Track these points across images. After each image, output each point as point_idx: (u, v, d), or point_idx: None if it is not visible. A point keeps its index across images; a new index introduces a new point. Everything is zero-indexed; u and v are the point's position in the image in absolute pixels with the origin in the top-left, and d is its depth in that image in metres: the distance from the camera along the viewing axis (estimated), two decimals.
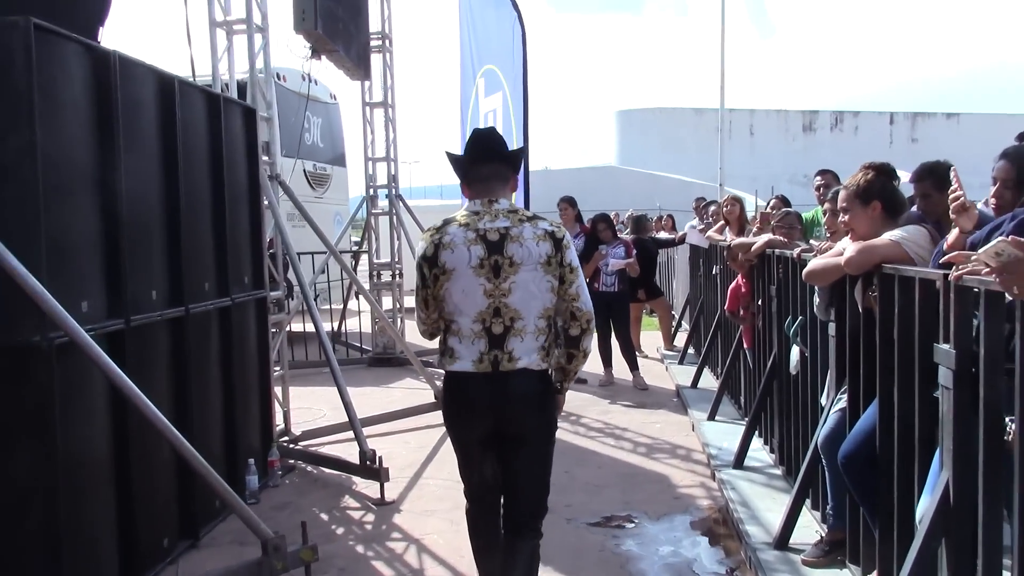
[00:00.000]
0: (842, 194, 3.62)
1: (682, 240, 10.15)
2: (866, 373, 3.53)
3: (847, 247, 3.48)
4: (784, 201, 6.97)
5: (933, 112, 37.70)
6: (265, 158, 6.39)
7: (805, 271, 3.79)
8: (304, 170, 12.23)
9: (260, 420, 5.70)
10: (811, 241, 5.55)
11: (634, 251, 8.76)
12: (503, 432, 3.04)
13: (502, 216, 2.97)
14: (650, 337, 10.98)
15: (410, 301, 13.15)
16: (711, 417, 6.76)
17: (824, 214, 4.88)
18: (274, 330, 6.42)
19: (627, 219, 18.58)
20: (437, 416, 7.27)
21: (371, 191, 10.34)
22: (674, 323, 10.92)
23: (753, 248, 5.69)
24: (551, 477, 3.18)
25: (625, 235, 9.96)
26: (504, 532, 3.18)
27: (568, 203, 8.92)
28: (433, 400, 7.32)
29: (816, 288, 4.08)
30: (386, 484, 5.26)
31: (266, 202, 6.14)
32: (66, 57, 3.58)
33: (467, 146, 3.18)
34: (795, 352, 4.78)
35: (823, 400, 4.18)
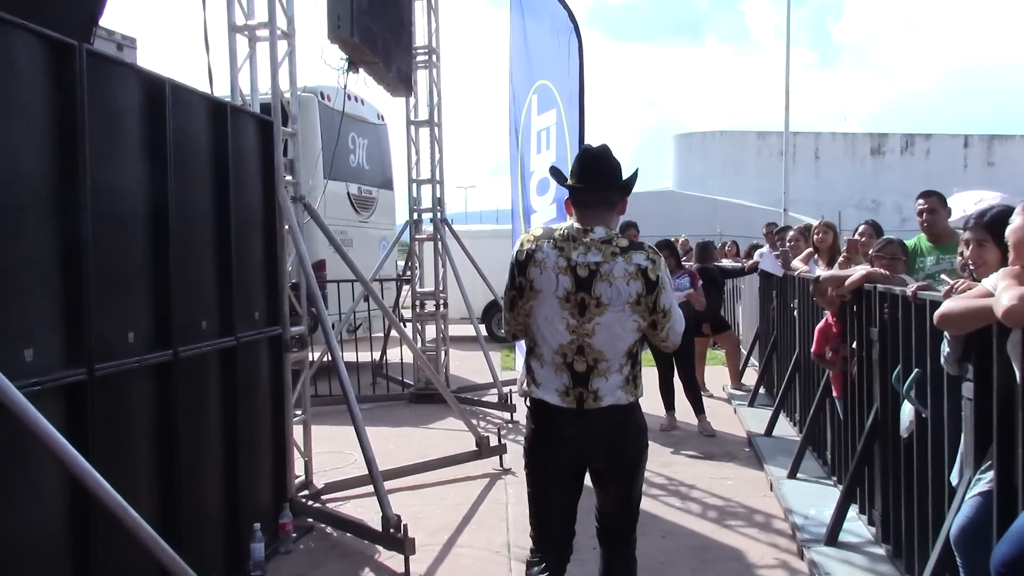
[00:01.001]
0: (1019, 220, 2.73)
1: (753, 269, 9.26)
2: None
3: (1003, 289, 2.61)
4: (876, 227, 6.08)
5: (1011, 134, 35.98)
6: (288, 177, 5.71)
7: (939, 314, 2.93)
8: (348, 193, 11.74)
9: (272, 475, 4.99)
10: (942, 276, 4.63)
11: (700, 281, 7.91)
12: (591, 466, 3.01)
13: (595, 249, 2.84)
14: (715, 374, 10.06)
15: (454, 330, 12.47)
16: (792, 475, 5.86)
17: (958, 244, 3.98)
18: (297, 368, 5.73)
19: (688, 244, 17.83)
20: (478, 467, 6.50)
21: (415, 215, 9.64)
22: (742, 360, 9.97)
23: (848, 282, 4.83)
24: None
25: (689, 264, 9.11)
26: (601, 555, 3.16)
27: (631, 228, 8.12)
28: (475, 448, 6.53)
29: (946, 335, 3.22)
30: (413, 556, 4.48)
31: (287, 226, 5.44)
32: (13, 47, 2.91)
33: (575, 165, 3.00)
34: (908, 411, 3.90)
35: (953, 478, 3.29)
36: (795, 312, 7.09)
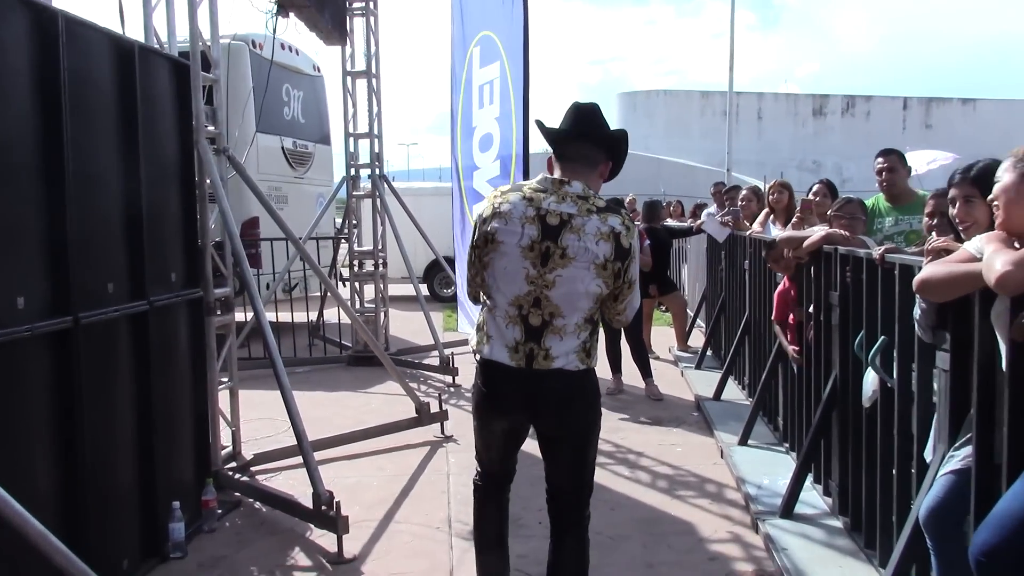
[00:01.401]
0: (1008, 178, 2.47)
1: (700, 229, 9.04)
2: (1013, 429, 2.44)
3: (992, 253, 2.36)
4: (830, 187, 5.85)
5: (948, 97, 36.38)
6: (211, 128, 5.27)
7: (919, 279, 2.68)
8: (283, 147, 11.23)
9: (194, 448, 4.62)
10: (901, 239, 4.40)
11: (646, 241, 7.67)
12: (538, 429, 2.95)
13: (569, 200, 2.74)
14: (661, 335, 9.89)
15: (394, 289, 12.11)
16: (743, 441, 5.69)
17: (921, 205, 3.76)
18: (222, 332, 5.35)
19: (635, 204, 17.63)
20: (419, 434, 6.21)
21: (352, 170, 9.21)
22: (689, 321, 9.80)
23: (807, 243, 4.59)
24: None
25: (637, 224, 8.85)
26: (551, 530, 3.08)
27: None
28: (414, 415, 6.23)
29: (918, 300, 2.98)
30: (346, 535, 4.17)
31: (209, 181, 5.02)
32: None
33: (563, 121, 2.89)
34: (871, 379, 3.69)
35: (927, 455, 3.08)
36: (746, 273, 6.89)
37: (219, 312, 5.13)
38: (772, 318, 5.39)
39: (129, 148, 3.91)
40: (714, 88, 37.62)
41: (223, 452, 5.24)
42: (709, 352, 8.53)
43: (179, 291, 4.40)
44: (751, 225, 7.24)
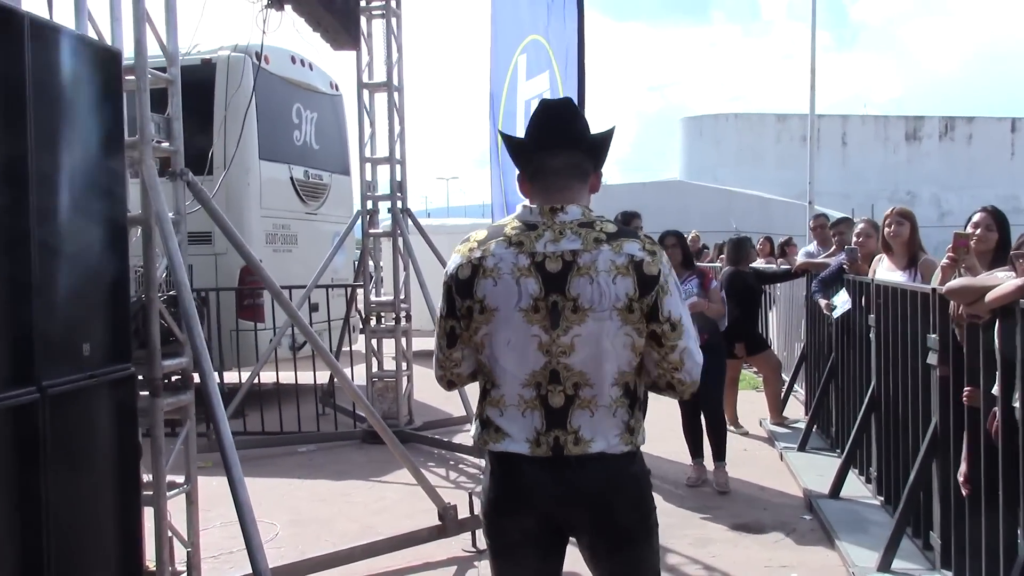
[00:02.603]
0: None
1: (801, 272, 7.95)
2: None
3: None
4: (996, 216, 4.73)
5: None
6: (165, 144, 4.34)
7: None
8: (292, 178, 10.53)
9: None
10: None
11: (713, 282, 6.61)
12: (578, 539, 2.48)
13: (570, 233, 2.37)
14: (749, 404, 8.76)
15: (418, 344, 11.18)
16: (885, 566, 4.52)
17: None
18: (173, 418, 4.37)
19: (700, 242, 16.65)
20: (442, 548, 5.14)
21: (369, 203, 8.29)
22: (784, 387, 8.66)
23: (993, 296, 3.48)
24: None
25: (719, 267, 7.85)
26: None
27: (635, 219, 6.83)
28: (438, 522, 5.16)
29: None
30: None
31: (157, 213, 4.06)
32: None
33: (531, 123, 2.53)
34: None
35: None
36: (871, 331, 5.80)
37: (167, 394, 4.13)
38: (964, 397, 4.20)
39: (13, 169, 2.95)
40: (791, 112, 36.57)
41: None
42: (815, 428, 7.36)
43: (96, 368, 3.41)
44: (869, 267, 6.26)
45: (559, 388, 2.38)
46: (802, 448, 7.16)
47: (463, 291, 2.42)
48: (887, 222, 5.90)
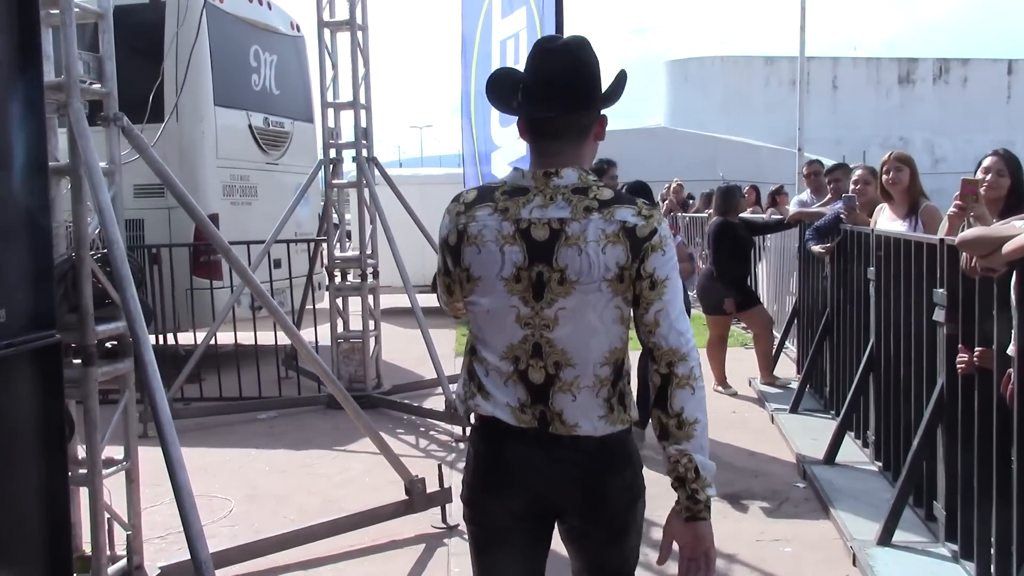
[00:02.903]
0: None
1: (794, 222, 7.77)
2: None
3: None
4: (1009, 161, 4.53)
5: None
6: (96, 86, 4.04)
7: None
8: (251, 125, 10.25)
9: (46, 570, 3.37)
10: None
11: (678, 234, 6.44)
12: (560, 519, 2.41)
13: (561, 199, 2.26)
14: (738, 363, 8.61)
15: (395, 301, 10.87)
16: (885, 540, 4.37)
17: None
18: (109, 388, 4.12)
19: (684, 191, 16.42)
20: (410, 524, 4.94)
21: (332, 152, 8.00)
22: (775, 344, 8.49)
23: (1010, 247, 3.27)
24: None
25: (705, 217, 7.66)
26: None
27: (610, 167, 6.59)
28: (404, 497, 4.96)
29: None
30: None
31: (86, 162, 3.78)
32: None
33: (527, 72, 2.34)
34: None
35: None
36: (870, 284, 5.63)
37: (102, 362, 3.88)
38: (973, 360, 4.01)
39: None
40: (779, 54, 36.30)
41: (112, 569, 3.99)
42: (808, 388, 7.21)
43: (15, 336, 3.15)
44: (870, 216, 6.12)
45: (540, 364, 2.30)
46: (794, 410, 7.03)
47: (453, 257, 2.38)
48: (885, 168, 5.74)
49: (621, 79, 2.38)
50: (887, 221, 5.76)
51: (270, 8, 10.68)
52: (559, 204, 2.26)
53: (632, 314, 2.31)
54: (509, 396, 2.36)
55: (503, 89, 2.39)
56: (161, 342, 7.99)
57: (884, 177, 5.70)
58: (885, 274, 5.32)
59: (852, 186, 6.49)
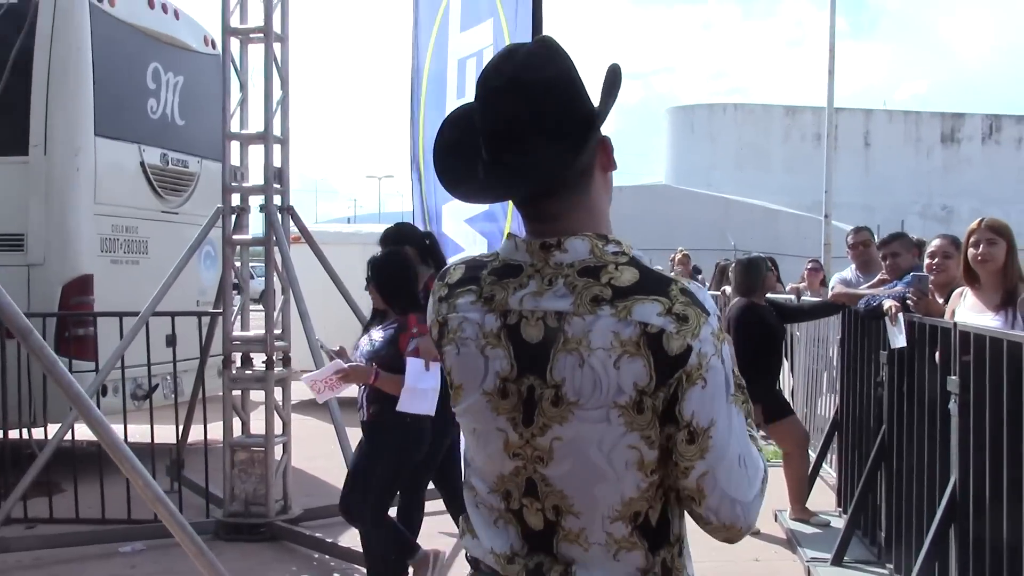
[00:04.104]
0: None
1: (839, 304, 7.11)
2: None
3: None
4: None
5: None
6: None
7: None
8: (143, 163, 9.62)
9: None
10: None
11: (412, 341, 5.67)
12: None
13: (562, 284, 1.99)
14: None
15: (299, 394, 10.02)
16: None
17: None
18: None
19: (689, 261, 15.74)
20: None
21: (235, 198, 7.28)
22: (810, 467, 7.79)
23: None
24: None
25: (717, 296, 6.99)
26: None
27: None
28: None
29: None
30: None
31: None
32: None
33: (478, 116, 2.05)
34: None
35: None
36: (952, 400, 4.85)
37: None
38: None
39: None
40: (802, 104, 36.39)
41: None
42: (856, 532, 6.46)
43: None
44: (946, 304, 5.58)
45: (536, 505, 2.08)
46: (838, 561, 6.23)
47: (439, 349, 2.27)
48: (972, 240, 5.22)
49: (612, 76, 2.04)
50: (972, 312, 5.19)
51: (177, 18, 10.10)
52: (558, 290, 1.98)
53: (667, 465, 1.99)
54: (496, 540, 2.18)
55: (464, 148, 2.08)
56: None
57: (971, 251, 5.14)
58: (976, 387, 4.61)
59: (928, 261, 5.91)
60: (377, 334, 5.37)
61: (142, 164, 9.41)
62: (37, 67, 8.51)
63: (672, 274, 2.03)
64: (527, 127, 2.00)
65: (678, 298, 1.93)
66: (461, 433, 2.33)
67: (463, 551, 2.27)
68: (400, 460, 5.31)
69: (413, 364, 5.09)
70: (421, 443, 5.27)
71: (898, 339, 5.68)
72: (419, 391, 5.11)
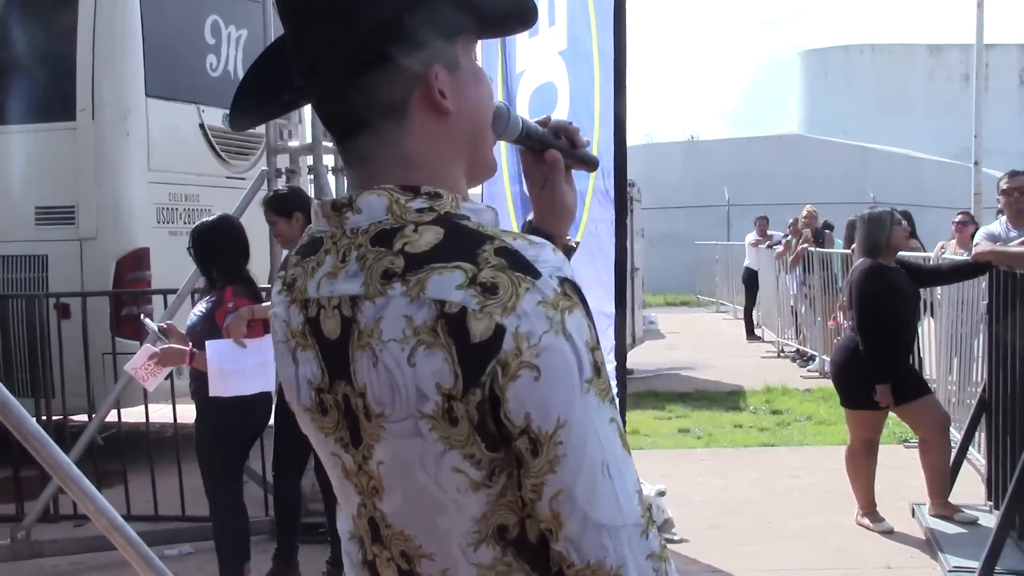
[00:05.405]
0: None
1: (984, 264, 6.40)
2: None
3: None
4: None
5: None
6: None
7: None
8: (203, 125, 9.33)
9: None
10: None
11: (228, 317, 5.38)
12: None
13: (355, 257, 1.66)
14: (890, 478, 7.21)
15: None
16: None
17: None
18: None
19: (816, 218, 14.99)
20: None
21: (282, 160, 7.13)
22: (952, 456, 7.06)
23: None
24: None
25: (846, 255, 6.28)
26: None
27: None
28: None
29: None
30: None
31: None
32: None
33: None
34: None
35: None
36: None
37: None
38: None
39: None
40: (947, 41, 35.08)
41: None
42: (1012, 534, 5.71)
43: None
44: None
45: (385, 554, 1.77)
46: (988, 571, 5.51)
47: None
48: None
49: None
50: None
51: None
52: (350, 267, 1.63)
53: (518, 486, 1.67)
54: None
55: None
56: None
57: None
58: None
59: None
60: (199, 308, 5.37)
61: (201, 126, 9.23)
62: (82, 24, 8.34)
63: (505, 230, 1.61)
64: (316, 15, 1.65)
65: (488, 261, 1.56)
66: None
67: None
68: (221, 440, 5.35)
69: (214, 346, 5.01)
70: (246, 421, 5.35)
71: None
72: (229, 372, 5.02)
